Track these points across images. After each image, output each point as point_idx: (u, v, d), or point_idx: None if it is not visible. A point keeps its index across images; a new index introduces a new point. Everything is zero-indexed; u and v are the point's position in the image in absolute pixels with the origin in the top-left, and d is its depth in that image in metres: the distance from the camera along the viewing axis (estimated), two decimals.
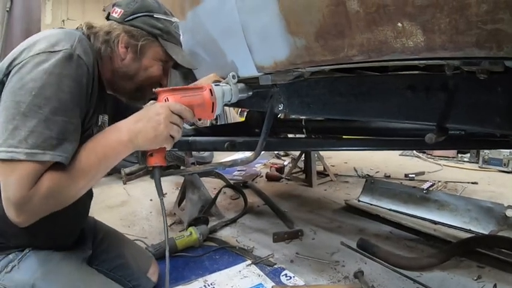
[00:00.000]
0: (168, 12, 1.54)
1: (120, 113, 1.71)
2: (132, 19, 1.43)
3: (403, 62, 1.16)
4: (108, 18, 1.48)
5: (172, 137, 1.35)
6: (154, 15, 1.46)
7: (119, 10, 1.45)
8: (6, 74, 1.22)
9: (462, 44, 0.93)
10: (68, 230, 1.59)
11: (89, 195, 1.70)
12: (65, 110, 1.20)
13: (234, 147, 2.21)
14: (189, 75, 2.31)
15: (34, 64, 1.18)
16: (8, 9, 4.55)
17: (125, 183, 4.55)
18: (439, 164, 5.49)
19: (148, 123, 1.30)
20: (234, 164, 2.01)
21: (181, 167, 3.71)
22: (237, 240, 2.78)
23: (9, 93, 1.17)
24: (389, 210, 3.23)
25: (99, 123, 1.55)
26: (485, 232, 2.68)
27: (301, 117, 2.87)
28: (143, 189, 4.26)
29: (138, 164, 4.64)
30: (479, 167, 5.37)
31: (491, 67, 1.05)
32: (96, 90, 1.39)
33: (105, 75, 1.48)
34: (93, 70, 1.33)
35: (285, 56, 1.38)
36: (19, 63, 1.20)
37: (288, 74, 1.51)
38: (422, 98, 1.34)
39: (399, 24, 1.00)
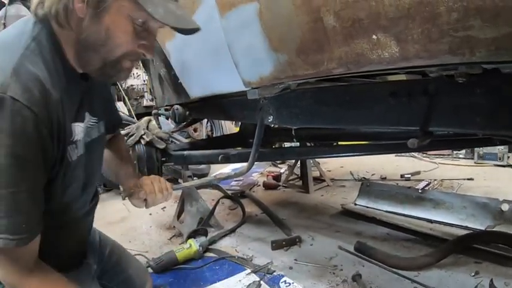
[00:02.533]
0: None
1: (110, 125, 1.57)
2: None
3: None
4: None
5: None
6: None
7: None
8: None
9: (436, 52, 0.98)
10: (74, 248, 1.50)
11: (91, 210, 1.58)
12: (7, 180, 0.97)
13: (227, 160, 2.26)
14: (181, 91, 2.34)
15: None
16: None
17: (123, 199, 4.55)
18: (435, 162, 5.47)
19: None
20: (228, 177, 2.06)
21: (178, 180, 3.74)
22: (236, 250, 2.81)
23: None
24: (386, 212, 3.24)
25: (77, 139, 1.21)
26: (482, 228, 2.69)
27: None
28: None
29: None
30: (475, 162, 5.36)
31: (468, 70, 1.09)
32: (66, 99, 1.11)
33: (71, 53, 1.14)
34: (45, 105, 1.01)
35: (270, 72, 1.42)
36: None
37: (274, 87, 1.55)
38: (404, 104, 1.38)
39: (374, 37, 1.04)
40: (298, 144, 3.31)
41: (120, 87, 7.96)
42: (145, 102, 8.75)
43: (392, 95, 1.39)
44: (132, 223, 3.71)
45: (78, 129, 1.21)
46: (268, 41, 1.36)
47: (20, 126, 0.95)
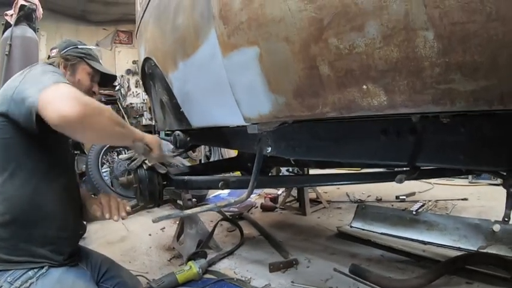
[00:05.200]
0: (87, 46, 2.18)
1: None
2: (65, 51, 2.02)
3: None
4: (48, 58, 2.08)
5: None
6: (79, 47, 2.08)
7: (55, 50, 2.06)
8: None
9: (420, 102, 1.07)
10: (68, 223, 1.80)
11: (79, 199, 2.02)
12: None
13: (227, 186, 2.33)
14: (182, 118, 2.43)
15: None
16: (7, 53, 4.64)
17: (123, 218, 4.61)
18: (430, 183, 5.52)
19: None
20: (228, 205, 2.13)
21: (177, 201, 3.81)
22: (234, 272, 2.87)
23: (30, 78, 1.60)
24: (381, 234, 3.31)
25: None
26: (474, 249, 2.76)
27: None
28: (142, 224, 4.33)
29: (135, 200, 4.71)
30: (469, 182, 5.42)
31: (452, 113, 1.18)
32: None
33: None
34: None
35: (268, 111, 1.51)
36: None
37: (272, 123, 1.64)
38: (394, 141, 1.46)
39: (364, 86, 1.14)
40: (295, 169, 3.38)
41: (120, 106, 8.04)
42: (145, 121, 8.80)
43: (382, 132, 1.47)
44: (131, 243, 3.77)
45: None
46: (267, 83, 1.44)
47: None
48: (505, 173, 1.47)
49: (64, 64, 2.01)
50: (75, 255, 1.85)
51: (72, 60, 2.02)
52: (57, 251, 1.69)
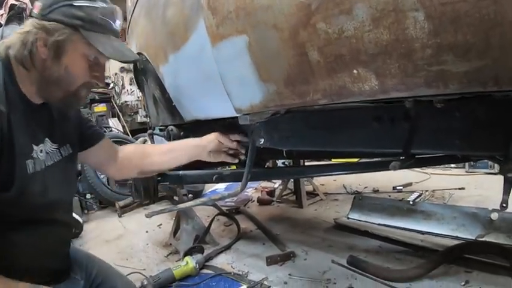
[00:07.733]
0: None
1: (85, 139, 1.69)
2: (50, 12, 1.25)
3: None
4: (30, 15, 1.31)
5: None
6: (75, 3, 1.25)
7: (38, 4, 1.27)
8: None
9: (412, 85, 1.05)
10: (53, 259, 1.54)
11: (67, 227, 1.67)
12: None
13: (221, 180, 2.30)
14: (175, 112, 2.40)
15: None
16: None
17: (120, 216, 4.60)
18: (426, 173, 5.49)
19: None
20: (222, 198, 2.11)
21: (174, 197, 3.78)
22: (232, 266, 2.86)
23: None
24: (378, 224, 3.29)
25: (34, 156, 1.32)
26: (473, 237, 2.74)
27: None
28: (138, 222, 4.31)
29: (132, 197, 4.70)
30: (466, 171, 5.38)
31: (445, 96, 1.16)
32: (18, 120, 1.26)
33: (32, 86, 1.33)
34: None
35: (259, 100, 1.49)
36: None
37: (264, 113, 1.62)
38: (388, 128, 1.44)
39: (355, 71, 1.11)
40: (290, 161, 3.36)
41: (115, 104, 7.99)
42: (140, 118, 8.76)
43: (376, 119, 1.45)
44: (128, 241, 3.75)
45: (37, 149, 1.34)
46: (257, 72, 1.42)
47: None
48: (501, 158, 1.44)
49: (44, 39, 1.24)
50: (64, 273, 1.61)
51: (57, 34, 1.24)
52: (42, 282, 1.40)
